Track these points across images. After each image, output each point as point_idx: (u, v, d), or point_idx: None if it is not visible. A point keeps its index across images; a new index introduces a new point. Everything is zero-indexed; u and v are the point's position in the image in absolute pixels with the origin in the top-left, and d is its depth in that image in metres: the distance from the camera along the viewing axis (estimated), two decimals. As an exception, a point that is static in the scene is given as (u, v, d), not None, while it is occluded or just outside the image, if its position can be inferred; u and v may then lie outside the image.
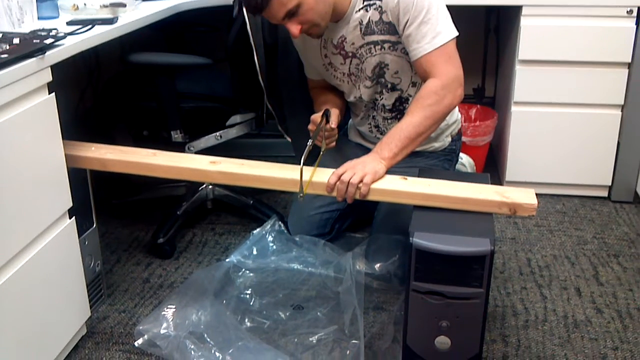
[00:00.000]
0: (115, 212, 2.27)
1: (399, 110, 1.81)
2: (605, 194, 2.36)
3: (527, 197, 1.42)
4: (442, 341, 1.41)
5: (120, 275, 1.92)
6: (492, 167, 2.52)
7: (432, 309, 1.39)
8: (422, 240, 1.36)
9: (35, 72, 1.35)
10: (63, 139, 1.48)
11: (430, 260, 1.36)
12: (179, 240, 2.11)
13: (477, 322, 1.39)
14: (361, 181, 1.48)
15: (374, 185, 1.48)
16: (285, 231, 1.95)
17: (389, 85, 1.78)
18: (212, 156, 1.57)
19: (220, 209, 2.27)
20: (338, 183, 1.49)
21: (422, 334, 1.43)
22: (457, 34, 1.62)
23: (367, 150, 1.71)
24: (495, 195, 1.43)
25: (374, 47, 1.72)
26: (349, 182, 1.48)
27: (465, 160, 2.05)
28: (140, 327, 1.58)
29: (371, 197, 1.49)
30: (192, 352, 1.48)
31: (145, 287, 1.86)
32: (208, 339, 1.51)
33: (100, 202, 1.81)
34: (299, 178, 1.48)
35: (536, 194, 1.46)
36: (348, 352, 1.53)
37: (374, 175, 1.49)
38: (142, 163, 1.51)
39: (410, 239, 1.37)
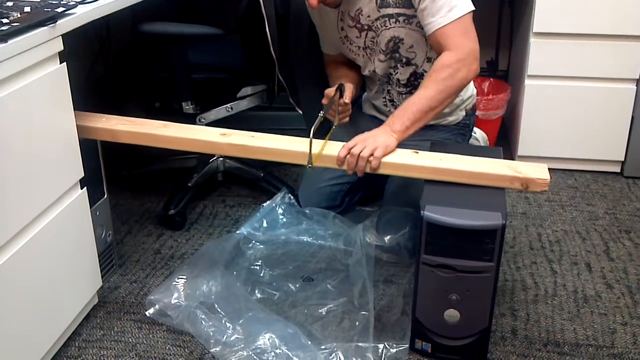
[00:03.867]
0: (126, 183, 2.27)
1: (413, 85, 1.79)
2: (617, 169, 2.34)
3: (539, 172, 1.41)
4: (452, 314, 1.41)
5: (131, 246, 1.93)
6: (504, 141, 2.50)
7: (442, 282, 1.39)
8: (433, 213, 1.36)
9: (47, 41, 1.34)
10: (74, 109, 1.48)
11: (440, 233, 1.36)
12: (190, 212, 2.11)
13: (486, 296, 1.39)
14: (372, 154, 1.47)
15: (385, 159, 1.47)
16: (296, 204, 1.95)
17: (404, 60, 1.76)
18: (223, 128, 1.57)
19: (231, 181, 2.27)
20: (348, 156, 1.48)
21: (432, 307, 1.43)
22: (473, 8, 1.60)
23: (381, 123, 1.70)
24: (507, 170, 1.42)
25: (389, 20, 1.70)
26: (359, 156, 1.47)
27: (478, 135, 2.03)
28: (152, 297, 1.60)
29: (382, 171, 1.48)
30: (203, 322, 1.49)
31: (157, 258, 1.87)
32: (218, 309, 1.52)
33: (111, 174, 1.82)
34: (308, 150, 1.47)
35: (548, 169, 1.45)
36: (357, 323, 1.54)
37: (385, 148, 1.48)
38: (153, 134, 1.51)
39: (421, 212, 1.37)
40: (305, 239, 1.87)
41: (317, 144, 1.50)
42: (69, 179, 1.48)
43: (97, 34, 2.48)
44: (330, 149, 1.50)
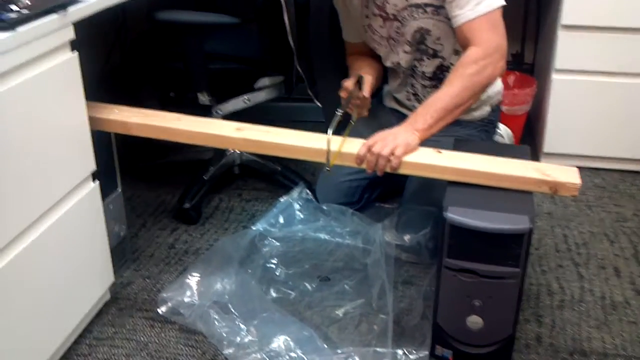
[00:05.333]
0: (141, 175, 2.23)
1: (439, 79, 1.73)
2: (647, 168, 2.27)
3: (569, 176, 1.34)
4: (474, 321, 1.35)
5: (145, 240, 1.89)
6: (529, 138, 2.42)
7: (465, 287, 1.33)
8: (456, 215, 1.30)
9: (58, 29, 1.29)
10: (87, 99, 1.43)
11: (464, 236, 1.30)
12: (205, 205, 2.07)
13: (511, 303, 1.33)
14: (392, 153, 1.41)
15: (406, 159, 1.41)
16: (313, 199, 1.90)
17: (430, 52, 1.70)
18: (238, 122, 1.51)
19: (247, 174, 2.22)
20: (368, 155, 1.42)
21: (453, 313, 1.37)
22: (503, 2, 1.53)
23: (403, 117, 1.65)
24: (535, 172, 1.35)
25: (417, 10, 1.63)
26: (379, 154, 1.41)
27: (503, 131, 1.96)
28: (164, 295, 1.56)
29: (402, 171, 1.42)
30: (216, 323, 1.44)
31: (171, 253, 1.83)
32: (232, 309, 1.48)
33: (126, 165, 1.78)
34: (326, 148, 1.42)
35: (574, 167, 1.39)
36: (375, 327, 1.49)
37: (406, 147, 1.42)
38: (165, 127, 1.46)
39: (444, 213, 1.31)
40: (322, 237, 1.82)
41: (336, 140, 1.45)
42: (80, 172, 1.43)
43: (113, 22, 2.43)
44: (349, 147, 1.44)
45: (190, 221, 1.97)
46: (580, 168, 1.43)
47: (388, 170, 1.42)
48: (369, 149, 1.42)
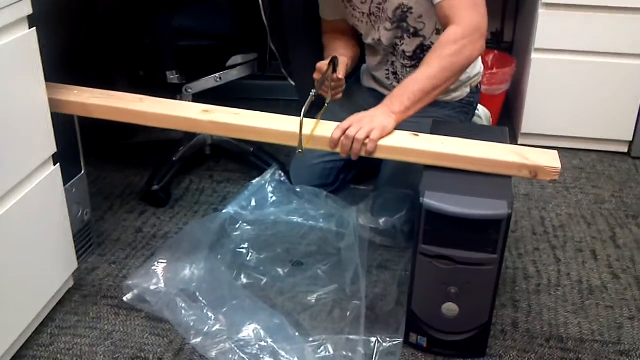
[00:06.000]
0: (108, 155, 2.15)
1: (419, 57, 1.67)
2: (625, 149, 2.24)
3: (549, 160, 1.30)
4: (450, 308, 1.32)
5: (111, 224, 1.82)
6: (507, 118, 2.39)
7: (440, 274, 1.29)
8: (432, 200, 1.26)
9: (12, 3, 1.21)
10: (46, 79, 1.35)
11: (440, 222, 1.26)
12: (175, 187, 2.00)
13: (488, 290, 1.30)
14: (367, 137, 1.35)
15: (382, 142, 1.35)
16: (286, 181, 1.85)
17: (411, 30, 1.64)
18: (205, 103, 1.44)
19: (219, 154, 2.15)
20: (342, 138, 1.37)
21: (428, 300, 1.34)
22: None
23: (381, 96, 1.59)
24: (514, 156, 1.30)
25: None
26: (354, 138, 1.35)
27: (481, 112, 1.91)
28: (129, 282, 1.50)
29: (378, 155, 1.36)
30: (183, 311, 1.39)
31: (138, 237, 1.76)
32: (200, 297, 1.42)
33: (92, 146, 1.71)
34: (298, 131, 1.36)
35: (552, 148, 1.35)
36: (348, 313, 1.45)
37: (382, 130, 1.37)
38: (127, 109, 1.39)
39: (420, 198, 1.26)
40: (295, 219, 1.77)
41: (309, 123, 1.39)
42: (39, 155, 1.36)
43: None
44: (323, 130, 1.38)
45: (159, 203, 1.91)
46: (558, 148, 1.40)
47: (363, 154, 1.37)
48: (343, 132, 1.36)
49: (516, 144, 2.21)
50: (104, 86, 1.52)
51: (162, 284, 1.47)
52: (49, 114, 1.37)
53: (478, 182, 1.31)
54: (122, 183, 2.03)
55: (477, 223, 1.24)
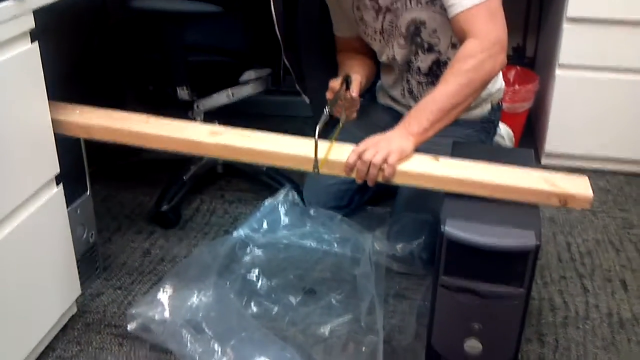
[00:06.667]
0: (118, 174, 2.09)
1: (435, 75, 1.60)
2: (654, 170, 2.15)
3: (580, 187, 1.22)
4: (473, 345, 1.23)
5: (119, 245, 1.76)
6: (529, 137, 2.30)
7: (463, 309, 1.21)
8: (454, 229, 1.17)
9: (14, 17, 1.16)
10: (52, 97, 1.30)
11: (463, 253, 1.17)
12: (185, 206, 1.94)
13: (514, 326, 1.21)
14: (385, 161, 1.27)
15: (400, 167, 1.27)
16: (300, 202, 1.77)
17: (426, 46, 1.57)
18: (215, 124, 1.37)
19: (231, 174, 2.08)
20: (358, 163, 1.29)
21: (450, 335, 1.25)
22: None
23: (397, 115, 1.52)
24: (543, 183, 1.22)
25: (410, 1, 1.50)
26: (370, 163, 1.28)
27: (503, 131, 1.83)
28: (134, 311, 1.42)
29: (397, 181, 1.29)
30: (189, 344, 1.32)
31: (145, 261, 1.70)
32: (206, 329, 1.35)
33: (101, 163, 1.65)
34: (312, 155, 1.28)
35: (578, 170, 1.26)
36: (364, 348, 1.36)
37: (400, 153, 1.29)
38: (131, 131, 1.32)
39: (442, 227, 1.18)
40: (308, 244, 1.69)
41: (323, 145, 1.31)
42: (41, 176, 1.30)
43: (91, 10, 2.28)
44: (338, 153, 1.30)
45: (168, 225, 1.84)
46: (583, 170, 1.31)
47: (380, 180, 1.29)
48: (360, 157, 1.29)
49: (540, 164, 2.13)
50: (115, 102, 1.46)
51: (167, 314, 1.40)
52: (52, 134, 1.31)
53: (504, 210, 1.22)
54: (131, 203, 1.97)
55: (503, 255, 1.16)
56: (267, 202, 1.75)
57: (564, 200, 1.20)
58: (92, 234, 1.58)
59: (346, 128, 1.48)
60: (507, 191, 1.22)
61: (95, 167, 1.61)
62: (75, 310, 1.49)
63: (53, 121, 1.29)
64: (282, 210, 1.75)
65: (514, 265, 1.16)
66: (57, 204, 1.37)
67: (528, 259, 1.15)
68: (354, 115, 1.56)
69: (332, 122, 1.44)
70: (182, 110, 1.83)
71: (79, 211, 1.50)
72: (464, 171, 1.25)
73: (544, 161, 2.16)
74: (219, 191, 2.03)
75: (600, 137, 2.10)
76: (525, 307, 1.19)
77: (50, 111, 1.28)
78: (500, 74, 1.69)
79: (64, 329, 1.45)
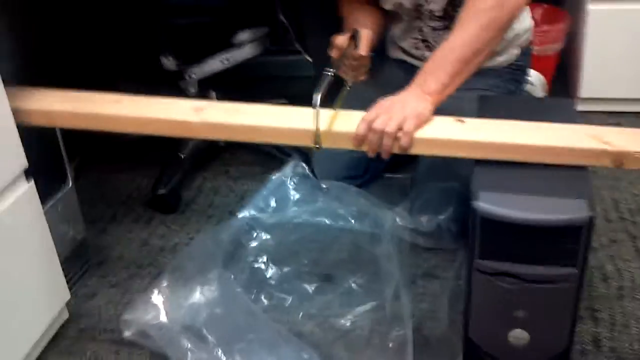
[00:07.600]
0: (115, 154, 1.91)
1: (452, 17, 1.38)
2: None
3: (637, 142, 1.01)
4: (518, 335, 1.05)
5: (114, 237, 1.60)
6: (561, 82, 2.07)
7: (504, 295, 1.03)
8: (489, 204, 0.98)
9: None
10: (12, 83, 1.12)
11: (501, 231, 0.99)
12: (187, 186, 1.77)
13: (566, 312, 1.03)
14: (400, 129, 1.08)
15: (419, 134, 1.08)
16: (310, 175, 1.59)
17: (437, -17, 1.36)
18: (198, 100, 1.18)
19: (234, 146, 1.90)
20: (369, 133, 1.10)
21: (490, 326, 1.07)
22: None
23: (412, 69, 1.32)
24: (591, 140, 1.02)
25: None
26: (383, 132, 1.08)
27: (534, 79, 1.62)
28: (127, 317, 1.26)
29: (416, 151, 1.09)
30: (190, 353, 1.16)
31: (143, 252, 1.54)
32: (208, 335, 1.18)
33: (100, 143, 1.46)
34: (312, 128, 1.09)
35: (618, 114, 1.06)
36: (391, 344, 1.19)
37: (418, 118, 1.09)
38: (99, 115, 1.13)
39: (474, 202, 0.99)
40: (322, 221, 1.51)
41: (326, 114, 1.12)
42: (6, 172, 1.13)
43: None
44: (344, 123, 1.11)
45: (167, 210, 1.68)
46: (624, 114, 1.11)
47: (396, 151, 1.10)
48: (370, 126, 1.09)
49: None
50: (105, 83, 1.28)
51: (165, 318, 1.24)
52: (14, 124, 1.13)
53: (546, 176, 1.03)
54: (129, 186, 1.80)
55: (550, 231, 0.97)
56: (274, 176, 1.57)
57: (620, 161, 1.00)
58: (80, 229, 1.42)
59: (353, 90, 1.29)
60: (549, 153, 1.02)
61: (83, 154, 1.44)
62: (66, 315, 1.34)
63: (13, 110, 1.11)
64: (290, 185, 1.56)
65: (564, 243, 0.97)
66: (29, 202, 1.20)
67: (581, 234, 0.96)
68: (363, 76, 1.37)
69: (338, 85, 1.24)
70: (170, 84, 1.65)
71: (59, 207, 1.33)
72: (496, 133, 1.05)
73: (579, 107, 1.94)
74: (222, 166, 1.86)
75: (642, 76, 1.88)
76: (578, 289, 1.00)
77: (9, 98, 1.10)
78: (528, 9, 1.47)
79: (55, 337, 1.30)
